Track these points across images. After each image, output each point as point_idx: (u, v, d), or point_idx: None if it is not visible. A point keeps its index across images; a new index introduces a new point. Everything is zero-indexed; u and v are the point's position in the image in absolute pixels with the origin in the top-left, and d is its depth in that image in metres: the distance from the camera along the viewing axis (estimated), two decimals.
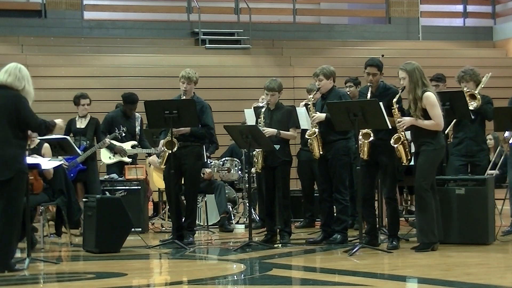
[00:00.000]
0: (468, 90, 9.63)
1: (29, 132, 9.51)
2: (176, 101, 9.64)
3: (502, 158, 11.11)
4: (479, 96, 9.62)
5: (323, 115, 9.29)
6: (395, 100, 8.66)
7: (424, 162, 8.54)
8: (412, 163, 8.92)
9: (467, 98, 9.52)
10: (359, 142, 8.77)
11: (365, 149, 8.76)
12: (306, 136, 9.54)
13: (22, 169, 7.70)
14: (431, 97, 8.51)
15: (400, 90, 8.68)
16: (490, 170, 10.56)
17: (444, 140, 8.78)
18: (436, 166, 8.66)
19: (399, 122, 8.58)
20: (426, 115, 8.51)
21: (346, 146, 9.41)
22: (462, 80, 9.79)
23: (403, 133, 8.63)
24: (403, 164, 8.78)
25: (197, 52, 19.20)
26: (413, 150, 8.89)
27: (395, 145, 8.59)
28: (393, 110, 8.65)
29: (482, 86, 9.81)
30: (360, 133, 8.76)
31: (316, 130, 9.32)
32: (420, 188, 8.55)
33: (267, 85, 9.69)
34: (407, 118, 8.58)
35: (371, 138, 8.74)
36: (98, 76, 17.75)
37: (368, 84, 8.95)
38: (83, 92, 11.83)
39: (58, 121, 8.10)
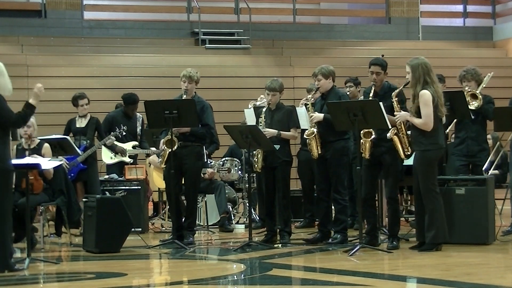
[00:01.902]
0: (469, 90, 9.63)
1: (29, 132, 9.54)
2: (176, 101, 9.64)
3: (499, 157, 11.10)
4: (480, 96, 9.62)
5: (321, 115, 9.29)
6: (394, 93, 8.66)
7: (420, 164, 8.54)
8: (410, 162, 8.92)
9: (469, 98, 9.53)
10: (361, 141, 8.77)
11: (367, 148, 8.76)
12: (305, 136, 9.53)
13: (5, 168, 7.61)
14: (425, 95, 8.48)
15: (403, 84, 8.67)
16: (489, 170, 10.55)
17: (441, 140, 8.73)
18: (433, 165, 8.62)
19: (396, 115, 8.60)
20: (419, 113, 8.51)
21: (345, 146, 9.42)
22: (464, 79, 9.79)
23: (400, 126, 8.63)
24: (401, 158, 8.76)
25: (197, 52, 19.19)
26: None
27: (391, 137, 8.59)
28: (393, 103, 8.65)
29: (484, 85, 9.81)
30: (362, 132, 8.76)
31: (315, 130, 9.32)
32: (428, 189, 8.51)
33: (268, 85, 9.69)
34: (402, 113, 8.59)
35: (373, 136, 8.74)
36: (98, 76, 17.74)
37: (372, 83, 8.95)
38: (81, 92, 11.80)
39: (35, 95, 7.80)
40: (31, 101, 7.82)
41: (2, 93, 7.67)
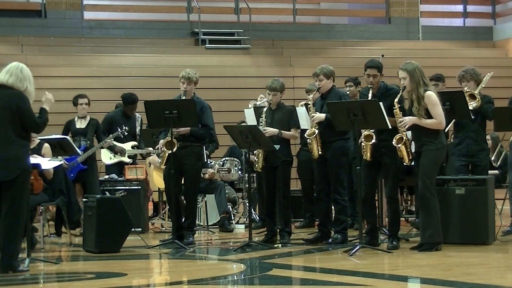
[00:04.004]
0: (468, 90, 9.63)
1: None
2: (176, 101, 9.64)
3: (502, 157, 11.10)
4: (478, 97, 9.62)
5: (323, 115, 9.29)
6: (396, 100, 8.65)
7: (427, 162, 8.53)
8: (411, 162, 8.92)
9: (467, 98, 9.52)
10: (362, 144, 8.77)
11: (368, 151, 8.76)
12: (306, 136, 9.53)
13: (26, 169, 7.69)
14: (432, 96, 8.52)
15: (401, 90, 8.68)
16: (490, 170, 10.55)
17: (444, 139, 8.78)
18: (438, 165, 8.65)
19: (400, 122, 8.58)
20: (428, 114, 8.52)
21: (345, 146, 9.41)
22: (463, 79, 9.79)
23: (404, 133, 8.63)
24: (405, 164, 8.77)
25: (197, 52, 19.20)
26: (413, 149, 8.88)
27: (398, 145, 8.58)
28: (394, 110, 8.64)
29: (483, 85, 9.81)
30: (362, 135, 8.75)
31: (316, 130, 9.32)
32: (425, 188, 8.52)
33: (269, 85, 9.69)
34: (408, 118, 8.58)
35: (373, 141, 8.73)
36: (98, 76, 17.74)
37: (369, 86, 8.94)
38: (82, 92, 11.84)
39: (47, 102, 7.94)
40: (45, 106, 7.92)
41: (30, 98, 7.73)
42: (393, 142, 8.60)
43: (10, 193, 7.57)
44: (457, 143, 9.84)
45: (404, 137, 8.61)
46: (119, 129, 11.50)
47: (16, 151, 7.60)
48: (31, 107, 7.70)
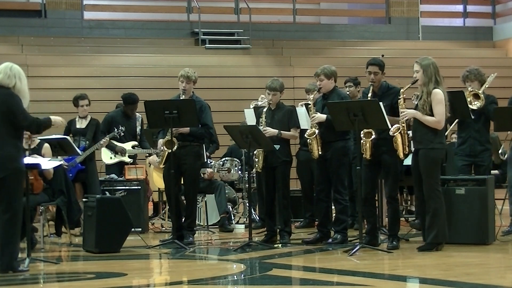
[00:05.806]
0: (472, 90, 9.63)
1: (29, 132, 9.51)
2: (176, 101, 9.64)
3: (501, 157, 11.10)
4: (482, 96, 9.61)
5: (324, 115, 9.28)
6: (402, 90, 8.63)
7: (426, 163, 8.51)
8: (409, 162, 8.91)
9: (471, 98, 9.53)
10: (361, 141, 8.77)
11: (368, 148, 8.75)
12: (306, 136, 9.53)
13: (18, 168, 7.66)
14: (438, 94, 8.50)
15: (411, 83, 8.66)
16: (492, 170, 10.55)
17: (444, 139, 8.76)
18: (438, 164, 8.63)
19: (402, 112, 8.58)
20: (432, 112, 8.51)
21: (345, 147, 9.41)
22: (467, 80, 9.79)
23: (404, 125, 8.62)
24: (400, 157, 8.74)
25: (197, 52, 19.20)
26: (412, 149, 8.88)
27: (393, 134, 8.57)
28: (399, 100, 8.63)
29: (487, 86, 9.81)
30: (362, 132, 8.75)
31: (316, 130, 9.31)
32: (432, 189, 8.50)
33: (269, 85, 9.69)
34: (409, 110, 8.58)
35: (373, 137, 8.73)
36: (98, 76, 17.74)
37: (370, 83, 8.95)
38: (82, 93, 11.83)
39: (55, 119, 8.05)
40: (52, 117, 8.00)
41: (23, 100, 7.73)
42: (390, 132, 8.58)
43: (4, 193, 7.57)
44: (460, 143, 9.84)
45: (402, 128, 8.59)
46: (115, 129, 11.49)
47: (8, 151, 7.59)
48: (21, 105, 7.68)
